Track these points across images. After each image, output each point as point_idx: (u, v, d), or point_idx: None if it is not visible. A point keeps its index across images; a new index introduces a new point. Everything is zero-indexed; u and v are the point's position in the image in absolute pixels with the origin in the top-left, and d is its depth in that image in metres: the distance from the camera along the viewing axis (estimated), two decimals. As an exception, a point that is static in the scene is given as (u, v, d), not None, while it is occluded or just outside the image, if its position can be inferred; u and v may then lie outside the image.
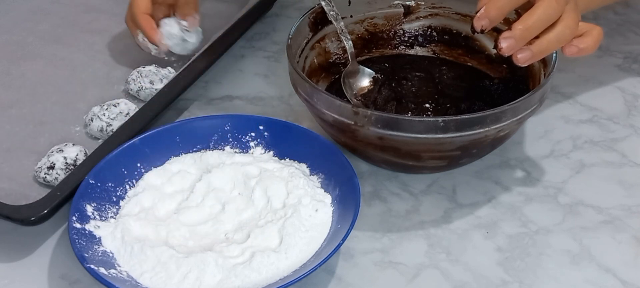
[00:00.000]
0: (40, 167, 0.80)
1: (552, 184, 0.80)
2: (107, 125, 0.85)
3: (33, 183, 0.81)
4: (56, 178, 0.79)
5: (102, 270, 0.67)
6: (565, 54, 0.74)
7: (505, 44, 0.71)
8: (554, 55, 0.78)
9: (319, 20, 0.87)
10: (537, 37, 0.72)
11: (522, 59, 0.72)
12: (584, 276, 0.71)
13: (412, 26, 0.92)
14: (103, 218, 0.73)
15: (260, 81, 0.95)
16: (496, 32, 0.87)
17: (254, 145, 0.81)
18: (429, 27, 0.92)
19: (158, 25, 0.92)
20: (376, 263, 0.73)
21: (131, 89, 0.91)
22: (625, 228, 0.76)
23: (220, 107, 0.91)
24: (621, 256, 0.73)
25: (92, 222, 0.72)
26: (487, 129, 0.73)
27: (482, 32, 0.72)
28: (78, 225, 0.71)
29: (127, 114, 0.86)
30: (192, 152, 0.80)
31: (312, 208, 0.73)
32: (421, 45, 0.92)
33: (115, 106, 0.86)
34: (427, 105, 0.85)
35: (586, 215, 0.77)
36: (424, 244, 0.75)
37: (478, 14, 0.72)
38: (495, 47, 0.72)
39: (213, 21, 1.02)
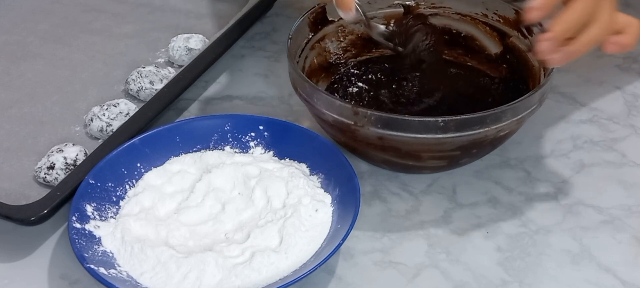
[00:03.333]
0: (40, 167, 0.80)
1: (552, 184, 0.80)
2: (107, 125, 0.85)
3: (33, 183, 0.81)
4: (56, 178, 0.79)
5: (102, 270, 0.67)
6: (607, 51, 0.72)
7: (544, 47, 0.69)
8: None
9: (319, 20, 0.87)
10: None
11: (556, 60, 0.70)
12: (584, 276, 0.71)
13: (412, 26, 0.92)
14: (103, 218, 0.73)
15: (260, 81, 0.95)
16: (499, 34, 0.87)
17: (254, 145, 0.81)
18: (429, 27, 0.92)
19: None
20: (376, 263, 0.73)
21: (131, 89, 0.91)
22: (625, 228, 0.76)
23: (220, 107, 0.91)
24: (621, 256, 0.73)
25: (92, 222, 0.72)
26: (487, 129, 0.73)
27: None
28: (78, 225, 0.71)
29: (127, 114, 0.86)
30: (192, 152, 0.80)
31: (312, 208, 0.73)
32: (421, 45, 0.92)
33: (115, 106, 0.86)
34: (427, 105, 0.85)
35: (586, 215, 0.77)
36: (424, 244, 0.75)
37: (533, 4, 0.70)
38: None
39: (213, 21, 1.02)
